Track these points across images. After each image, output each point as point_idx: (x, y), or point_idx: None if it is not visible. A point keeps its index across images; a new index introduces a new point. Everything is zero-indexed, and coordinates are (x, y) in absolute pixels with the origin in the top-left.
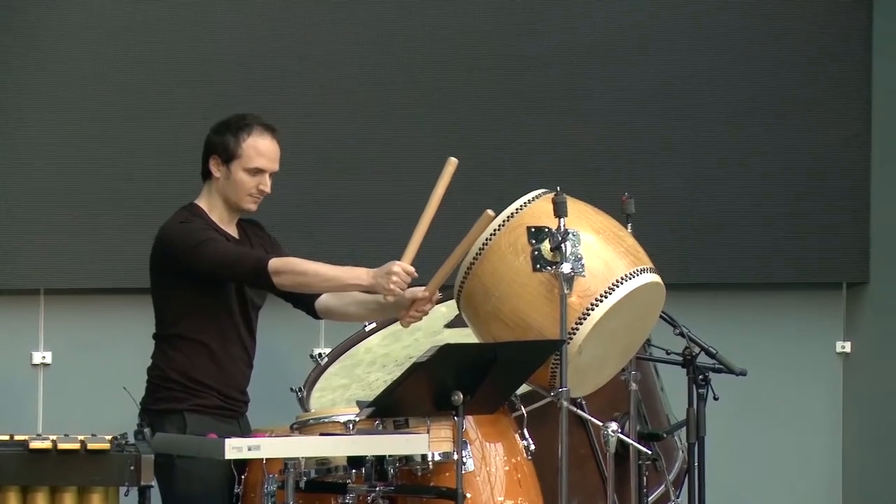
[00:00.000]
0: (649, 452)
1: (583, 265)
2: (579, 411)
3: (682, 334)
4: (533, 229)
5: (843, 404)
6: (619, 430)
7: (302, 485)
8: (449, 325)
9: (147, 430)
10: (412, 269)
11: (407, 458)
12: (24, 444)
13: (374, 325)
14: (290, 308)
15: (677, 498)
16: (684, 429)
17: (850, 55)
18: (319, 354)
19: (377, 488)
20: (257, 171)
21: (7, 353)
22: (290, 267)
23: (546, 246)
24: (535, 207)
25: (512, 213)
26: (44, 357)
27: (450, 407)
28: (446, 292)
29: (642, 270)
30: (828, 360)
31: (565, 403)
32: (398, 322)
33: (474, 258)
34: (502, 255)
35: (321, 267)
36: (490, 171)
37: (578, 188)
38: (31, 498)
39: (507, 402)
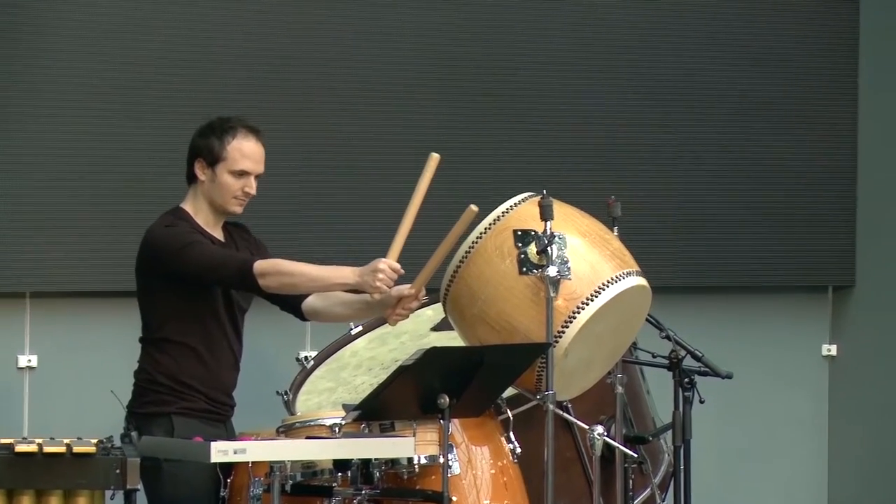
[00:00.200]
0: (635, 455)
1: (569, 268)
2: (565, 414)
3: (668, 337)
4: (519, 232)
5: (829, 407)
6: (605, 434)
7: (288, 488)
8: (435, 329)
9: (134, 434)
10: (398, 266)
11: (393, 462)
12: (10, 447)
13: (360, 328)
14: (276, 311)
15: (663, 501)
16: (670, 432)
17: (837, 58)
18: (305, 357)
19: (363, 492)
20: (242, 174)
21: None
22: (275, 268)
23: (532, 249)
24: (522, 211)
25: (498, 217)
26: (29, 360)
27: (436, 410)
28: (432, 296)
29: (628, 273)
30: (814, 363)
31: (551, 406)
32: (384, 325)
33: (460, 261)
34: (488, 259)
35: (306, 267)
36: (476, 175)
37: (565, 191)
38: (16, 501)
39: (493, 406)
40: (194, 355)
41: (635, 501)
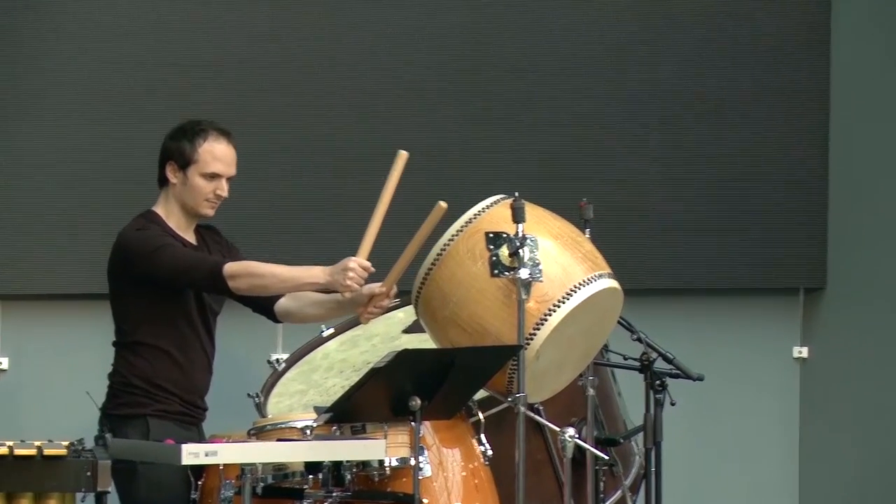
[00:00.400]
0: (606, 458)
1: (540, 270)
2: (536, 417)
3: (639, 339)
4: (491, 235)
5: (800, 409)
6: (577, 436)
7: (259, 490)
8: (406, 331)
9: (108, 436)
10: (368, 263)
11: (364, 464)
12: None
13: (331, 330)
14: (248, 313)
15: (634, 503)
16: (641, 434)
17: (808, 66)
18: (277, 360)
19: (334, 494)
20: (214, 176)
21: None
22: (245, 270)
23: (504, 251)
24: (494, 213)
25: (470, 219)
26: (0, 363)
27: (407, 412)
28: (404, 298)
29: (600, 276)
30: (785, 365)
31: (522, 409)
32: (356, 328)
33: (432, 264)
34: (460, 261)
35: (277, 268)
36: (448, 177)
37: (537, 193)
38: None
39: (465, 408)
40: (168, 358)
41: (606, 503)
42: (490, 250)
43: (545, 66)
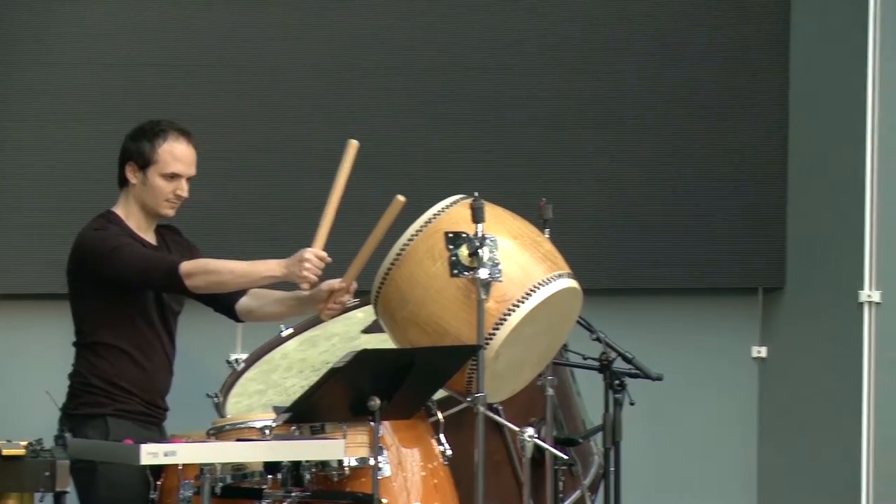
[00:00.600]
0: (565, 457)
1: (500, 270)
2: (496, 416)
3: (598, 339)
4: (450, 235)
5: (759, 409)
6: (536, 435)
7: (218, 490)
8: (366, 331)
9: (68, 435)
10: (324, 254)
11: (323, 464)
12: None
13: (290, 330)
14: (207, 313)
15: (593, 503)
16: (600, 434)
17: (766, 62)
18: (236, 360)
19: (293, 494)
20: (174, 177)
21: None
22: (201, 268)
23: (463, 251)
24: (453, 213)
25: (429, 219)
26: None
27: (366, 412)
28: (363, 298)
29: (559, 276)
30: (744, 365)
31: (482, 409)
32: (315, 327)
33: (391, 264)
34: (419, 261)
35: (233, 263)
36: (407, 177)
37: (496, 193)
38: None
39: (424, 408)
40: (128, 359)
41: (565, 503)
42: (449, 250)
43: (507, 66)
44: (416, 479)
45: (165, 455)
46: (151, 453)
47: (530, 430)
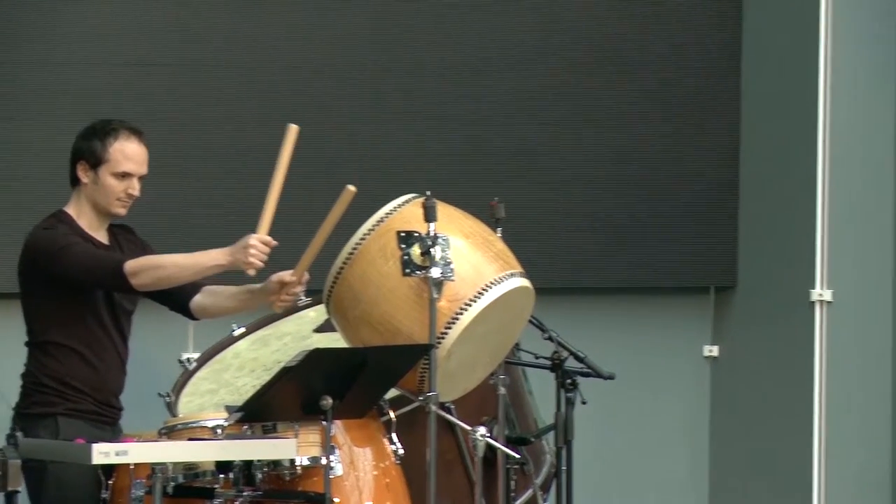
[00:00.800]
0: (517, 456)
1: (452, 270)
2: (448, 415)
3: (550, 338)
4: (403, 234)
5: (711, 408)
6: (488, 434)
7: (170, 490)
8: (318, 330)
9: (19, 435)
10: (269, 238)
11: (275, 463)
12: None
13: (242, 329)
14: (158, 313)
15: (545, 502)
16: (552, 433)
17: (720, 59)
18: (188, 359)
19: (245, 493)
20: (125, 175)
21: None
22: (145, 265)
23: (416, 250)
24: (405, 212)
25: (381, 218)
26: None
27: (318, 411)
28: (315, 297)
29: (511, 275)
30: (696, 364)
31: (434, 408)
32: (267, 327)
33: (343, 263)
34: (371, 260)
35: (177, 257)
36: (359, 176)
37: (448, 193)
38: None
39: (376, 407)
40: (80, 358)
41: (517, 502)
42: (402, 249)
43: (458, 64)
44: (368, 479)
45: (117, 454)
46: (103, 453)
47: (482, 429)
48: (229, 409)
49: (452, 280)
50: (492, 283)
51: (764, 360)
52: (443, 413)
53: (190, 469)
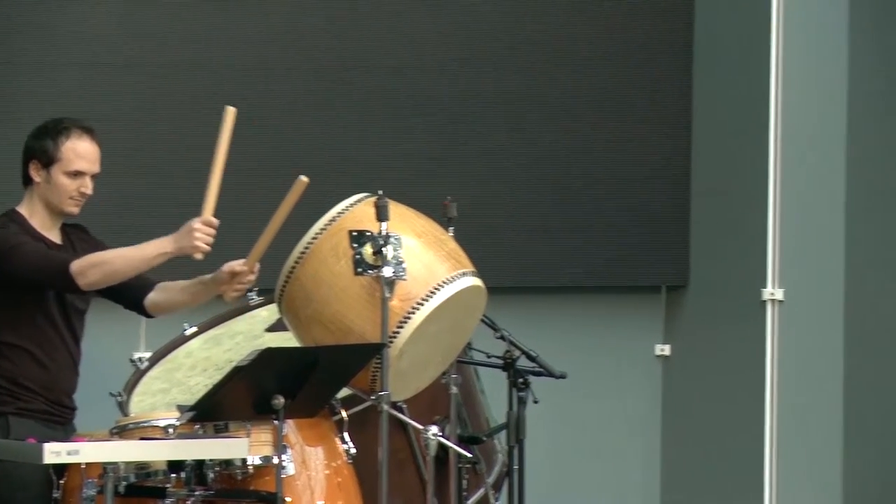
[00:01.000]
0: (469, 456)
1: (404, 269)
2: (400, 415)
3: (502, 338)
4: (354, 233)
5: (662, 406)
6: (440, 434)
7: (121, 489)
8: (270, 329)
9: None
10: (212, 219)
11: (227, 463)
12: None
13: (194, 328)
14: (110, 312)
15: (497, 501)
16: (504, 432)
17: (670, 62)
18: (139, 358)
19: (196, 493)
20: (77, 174)
21: None
22: (91, 262)
23: (368, 249)
24: (357, 211)
25: (333, 217)
26: None
27: (270, 411)
28: (267, 296)
29: (463, 274)
30: (647, 362)
31: (386, 407)
32: (219, 326)
33: (295, 262)
34: (323, 259)
35: (122, 250)
36: (311, 176)
37: (400, 192)
38: None
39: (328, 406)
40: (31, 358)
41: (469, 501)
42: (354, 248)
43: (408, 65)
44: (320, 478)
45: (68, 454)
46: (54, 452)
47: (434, 429)
48: (181, 408)
49: (405, 279)
50: (444, 283)
51: (715, 358)
52: (395, 412)
53: (142, 468)
